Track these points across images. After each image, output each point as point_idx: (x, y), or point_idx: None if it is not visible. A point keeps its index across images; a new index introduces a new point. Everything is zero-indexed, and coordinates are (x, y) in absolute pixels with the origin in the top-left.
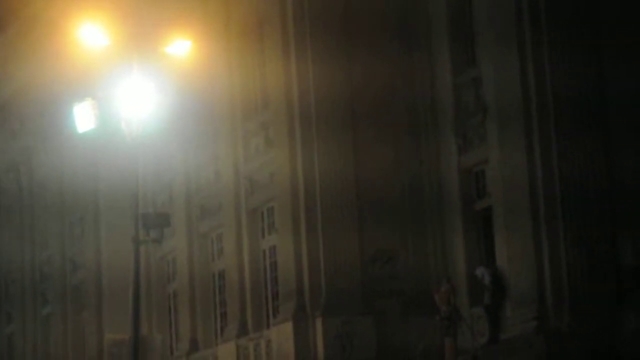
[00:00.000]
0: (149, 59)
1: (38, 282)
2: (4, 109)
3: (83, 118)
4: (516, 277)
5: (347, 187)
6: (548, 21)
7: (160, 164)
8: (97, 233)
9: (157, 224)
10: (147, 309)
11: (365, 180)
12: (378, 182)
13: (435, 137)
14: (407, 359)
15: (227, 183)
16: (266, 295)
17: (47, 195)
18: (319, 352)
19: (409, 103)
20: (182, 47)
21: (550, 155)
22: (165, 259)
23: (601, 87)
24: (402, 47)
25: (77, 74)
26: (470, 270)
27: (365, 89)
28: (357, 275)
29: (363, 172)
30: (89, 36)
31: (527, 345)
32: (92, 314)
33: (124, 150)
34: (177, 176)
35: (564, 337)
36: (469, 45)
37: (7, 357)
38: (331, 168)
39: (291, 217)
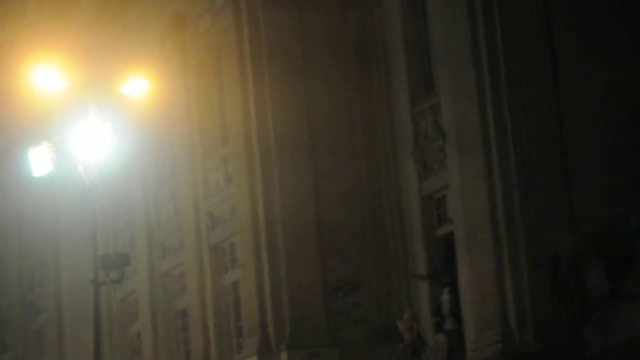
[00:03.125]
0: (105, 100)
1: None
2: None
3: (39, 162)
4: (479, 302)
5: (308, 218)
6: (504, 45)
7: (119, 204)
8: (57, 276)
9: (117, 264)
10: (111, 350)
11: (327, 211)
12: (339, 212)
13: (395, 165)
14: None
15: (188, 220)
16: (230, 331)
17: (6, 240)
18: None
19: (368, 132)
20: (139, 86)
21: (509, 179)
22: (127, 300)
23: (559, 109)
24: (360, 78)
25: (32, 118)
26: (434, 297)
27: (324, 120)
28: (320, 306)
29: (324, 202)
30: (44, 79)
31: None
32: (53, 358)
33: (82, 192)
34: (137, 216)
35: (529, 359)
36: (426, 73)
37: None
38: (291, 201)
39: (253, 252)
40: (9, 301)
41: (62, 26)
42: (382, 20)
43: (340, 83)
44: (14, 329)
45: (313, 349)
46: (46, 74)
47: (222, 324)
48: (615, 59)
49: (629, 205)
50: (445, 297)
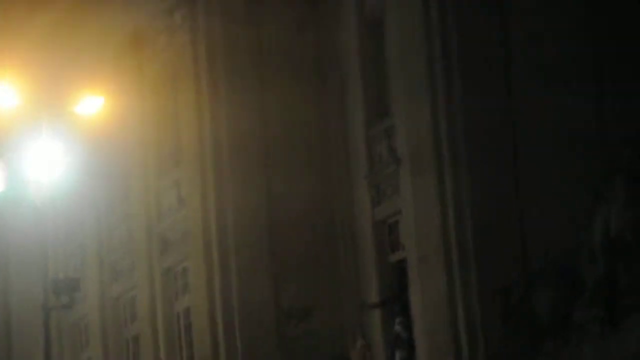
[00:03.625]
0: (58, 118)
1: None
2: None
3: None
4: (431, 329)
5: (261, 243)
6: (460, 71)
7: (71, 226)
8: (6, 300)
9: (67, 289)
10: None
11: (280, 236)
12: (292, 237)
13: (349, 188)
14: None
15: (140, 243)
16: (182, 358)
17: None
18: None
19: (323, 155)
20: (94, 104)
21: (462, 205)
22: (78, 325)
23: (514, 136)
24: (317, 99)
25: None
26: (386, 325)
27: (280, 143)
28: (273, 333)
29: (277, 227)
30: None
31: None
32: None
33: (33, 213)
34: (89, 238)
35: None
36: (382, 96)
37: None
38: (245, 225)
39: (205, 277)
40: None
41: (16, 42)
42: (340, 42)
43: (297, 104)
44: None
45: None
46: None
47: (174, 352)
48: (570, 84)
49: (581, 235)
50: (397, 326)
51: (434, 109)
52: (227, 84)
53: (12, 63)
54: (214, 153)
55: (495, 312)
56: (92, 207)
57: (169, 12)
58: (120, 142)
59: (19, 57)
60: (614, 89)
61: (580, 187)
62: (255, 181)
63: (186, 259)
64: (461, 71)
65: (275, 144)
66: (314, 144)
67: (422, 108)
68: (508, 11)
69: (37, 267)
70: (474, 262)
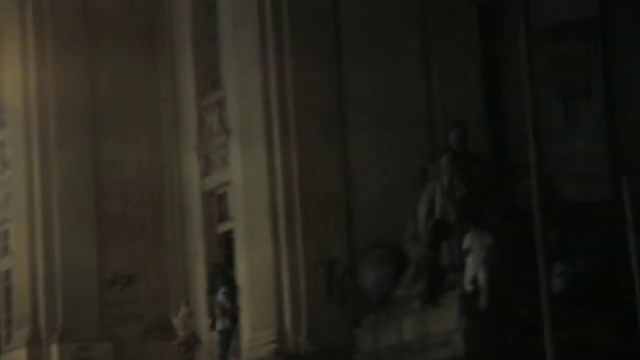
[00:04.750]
0: None
1: None
2: None
3: None
4: (256, 301)
5: (87, 208)
6: (292, 44)
7: None
8: None
9: None
10: None
11: (107, 201)
12: (119, 203)
13: (178, 158)
14: None
15: None
16: (0, 321)
17: None
18: None
19: (153, 124)
20: None
21: (291, 178)
22: None
23: (343, 110)
24: (147, 67)
25: None
26: (211, 294)
27: (109, 108)
28: (95, 299)
29: (104, 192)
30: None
31: None
32: None
33: None
34: None
35: (302, 359)
36: (214, 67)
37: None
38: (70, 190)
39: (27, 240)
40: None
41: None
42: (171, 10)
43: (126, 70)
44: None
45: (85, 342)
46: None
47: None
48: (397, 67)
49: (407, 213)
50: (220, 296)
51: (265, 83)
52: (54, 47)
53: None
54: (40, 115)
55: (320, 285)
56: None
57: None
58: None
59: None
60: (439, 75)
61: (408, 166)
62: (82, 146)
63: (9, 221)
64: (292, 45)
65: (103, 109)
66: (144, 111)
67: (253, 82)
68: None
69: None
70: (301, 235)
